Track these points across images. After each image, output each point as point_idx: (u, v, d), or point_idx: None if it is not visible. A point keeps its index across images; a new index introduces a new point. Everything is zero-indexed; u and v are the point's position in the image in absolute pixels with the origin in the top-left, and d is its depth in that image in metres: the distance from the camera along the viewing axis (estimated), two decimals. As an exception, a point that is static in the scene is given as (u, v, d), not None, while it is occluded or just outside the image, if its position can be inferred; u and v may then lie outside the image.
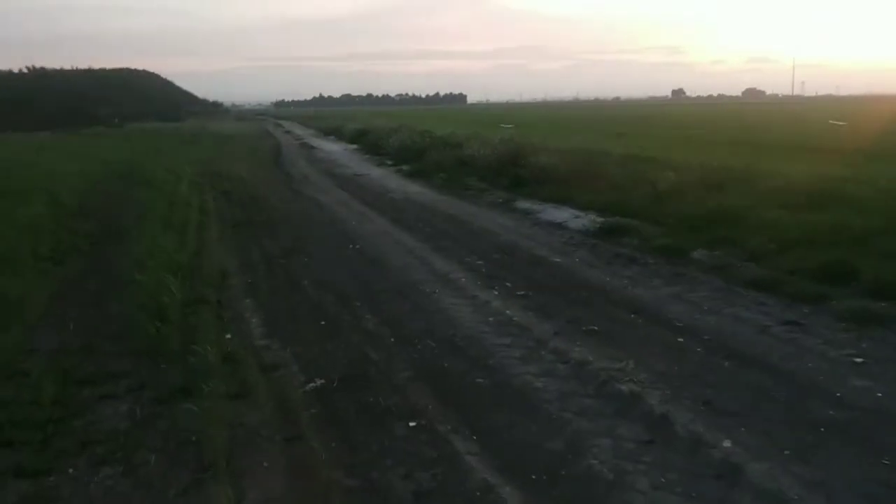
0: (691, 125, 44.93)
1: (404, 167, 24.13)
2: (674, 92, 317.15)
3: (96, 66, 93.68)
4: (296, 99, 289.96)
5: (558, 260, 9.81)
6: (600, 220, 12.58)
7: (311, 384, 5.46)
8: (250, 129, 61.05)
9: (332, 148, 36.28)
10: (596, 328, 6.66)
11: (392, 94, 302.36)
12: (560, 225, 12.53)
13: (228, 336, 6.53)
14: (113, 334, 6.53)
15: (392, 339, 6.49)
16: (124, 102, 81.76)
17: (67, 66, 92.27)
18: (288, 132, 59.39)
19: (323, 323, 7.01)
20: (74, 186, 17.21)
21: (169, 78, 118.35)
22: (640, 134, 35.12)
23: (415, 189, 18.38)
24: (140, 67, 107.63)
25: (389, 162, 26.08)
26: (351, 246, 10.75)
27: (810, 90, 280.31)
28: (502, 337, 6.46)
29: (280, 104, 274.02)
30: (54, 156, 28.36)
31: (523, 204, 14.96)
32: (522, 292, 7.90)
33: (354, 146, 36.13)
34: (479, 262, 9.54)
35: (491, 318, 7.02)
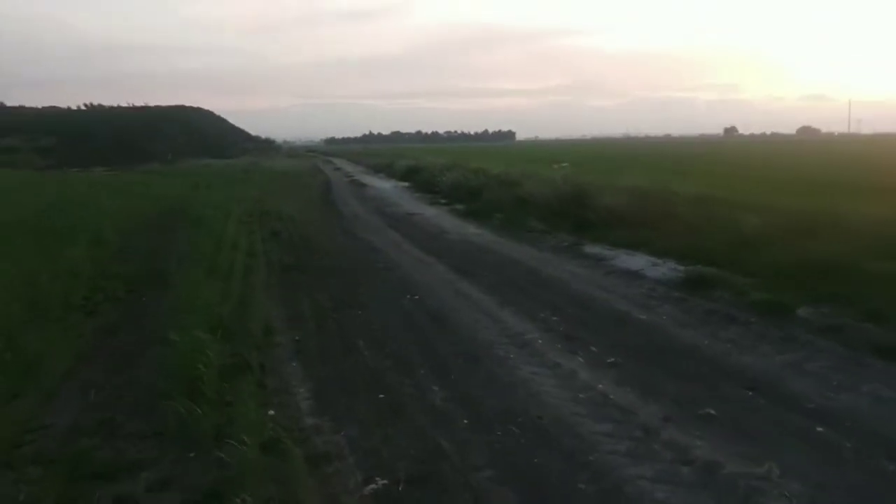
0: (753, 165, 43.32)
1: (459, 206, 23.19)
2: (726, 130, 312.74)
3: (152, 103, 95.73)
4: (346, 136, 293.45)
5: (643, 317, 8.64)
6: (682, 268, 11.40)
7: (371, 485, 4.40)
8: (301, 166, 61.09)
9: (382, 185, 35.62)
10: (712, 412, 5.48)
11: (440, 131, 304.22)
12: (637, 274, 11.35)
13: (271, 412, 5.52)
14: (138, 409, 5.57)
15: (466, 422, 5.40)
16: (178, 139, 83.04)
17: (123, 104, 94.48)
18: (338, 169, 59.24)
19: (382, 396, 5.96)
20: (120, 225, 16.63)
21: (222, 115, 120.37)
22: (700, 172, 33.63)
23: (472, 230, 17.38)
24: (194, 105, 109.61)
25: (443, 201, 25.18)
26: (408, 296, 9.72)
27: (867, 128, 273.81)
28: (601, 422, 5.32)
29: (330, 141, 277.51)
30: (106, 192, 28.17)
31: (592, 249, 13.83)
32: (612, 359, 6.75)
33: (405, 184, 35.42)
34: (555, 319, 8.43)
35: (582, 395, 5.88)
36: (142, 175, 47.55)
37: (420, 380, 6.32)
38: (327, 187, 35.17)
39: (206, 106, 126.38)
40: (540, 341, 7.38)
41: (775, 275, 10.14)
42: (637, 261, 12.35)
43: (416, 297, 9.70)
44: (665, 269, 11.55)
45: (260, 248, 14.28)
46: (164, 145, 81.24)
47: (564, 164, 41.26)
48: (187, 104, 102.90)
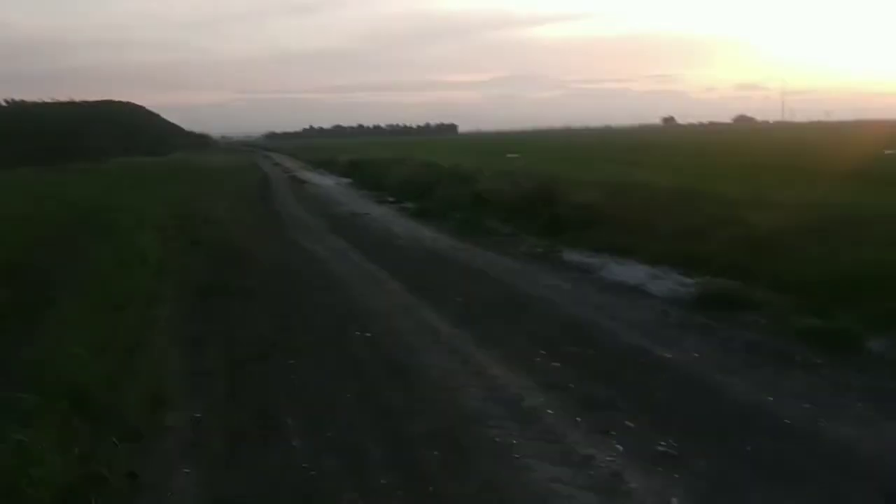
0: (709, 152, 42.07)
1: (409, 205, 20.95)
2: (664, 119, 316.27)
3: (78, 99, 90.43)
4: (286, 131, 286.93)
5: (668, 356, 6.55)
6: (690, 281, 9.41)
7: None
8: (238, 162, 57.92)
9: (324, 182, 33.11)
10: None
11: (382, 125, 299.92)
12: (637, 290, 9.29)
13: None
14: None
15: None
16: (107, 136, 78.58)
17: (48, 99, 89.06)
18: (277, 164, 56.35)
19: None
20: (10, 238, 13.92)
21: (157, 111, 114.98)
22: (658, 163, 31.99)
23: (428, 234, 15.15)
24: (126, 100, 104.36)
25: (391, 199, 22.89)
26: (358, 333, 7.44)
27: (800, 116, 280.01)
28: None
29: (271, 136, 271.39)
30: (12, 196, 25.08)
31: (572, 255, 11.75)
32: (663, 445, 4.59)
33: (348, 180, 33.02)
34: (557, 366, 6.27)
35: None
36: (64, 175, 44.00)
37: (384, 494, 4.08)
38: (264, 185, 32.49)
39: (142, 102, 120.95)
40: (549, 411, 5.17)
41: (811, 288, 8.20)
42: (631, 271, 10.31)
43: (368, 333, 7.42)
44: (670, 282, 9.53)
45: (175, 264, 11.83)
46: (93, 143, 76.74)
47: (516, 156, 39.39)
48: (117, 99, 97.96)
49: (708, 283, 8.96)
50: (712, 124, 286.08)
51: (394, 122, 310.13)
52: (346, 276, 10.64)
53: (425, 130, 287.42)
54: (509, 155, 39.21)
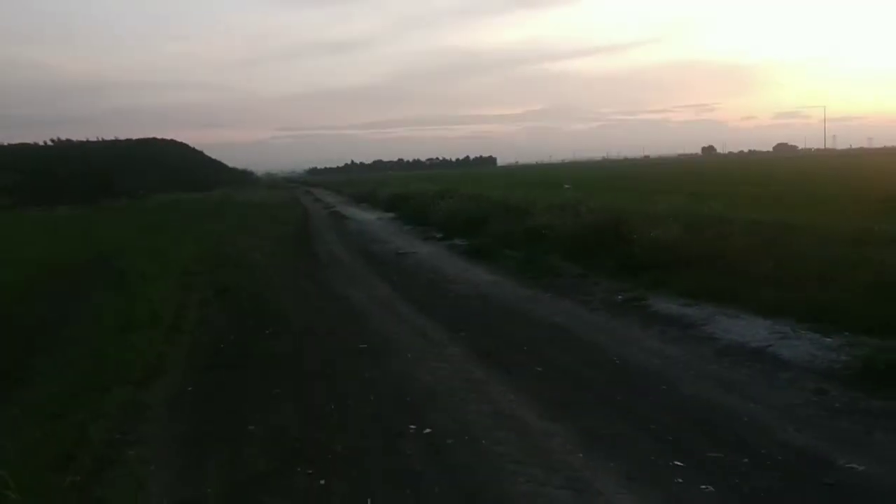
0: (764, 181, 39.44)
1: (459, 242, 19.11)
2: (704, 149, 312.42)
3: (123, 137, 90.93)
4: (328, 166, 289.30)
5: (860, 468, 4.52)
6: (833, 342, 7.33)
7: None
8: (278, 198, 56.85)
9: (365, 217, 31.49)
10: None
11: (422, 159, 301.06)
12: (764, 354, 7.22)
13: None
14: None
15: None
16: (150, 174, 78.67)
17: (93, 138, 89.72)
18: (318, 200, 55.12)
19: None
20: (14, 285, 12.40)
21: (201, 149, 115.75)
22: (724, 193, 29.59)
23: (485, 277, 13.26)
24: (170, 138, 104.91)
25: (438, 235, 21.07)
26: (413, 428, 5.52)
27: (842, 143, 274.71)
28: None
29: (313, 171, 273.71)
30: (41, 235, 23.91)
31: (662, 304, 9.73)
32: None
33: (391, 215, 31.35)
34: (707, 490, 4.29)
35: None
36: (102, 213, 43.23)
37: None
38: (304, 221, 30.98)
39: (186, 140, 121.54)
40: None
41: None
42: (747, 327, 8.26)
43: (427, 429, 5.49)
44: (805, 343, 7.46)
45: (192, 320, 10.09)
46: (135, 181, 76.75)
47: (569, 187, 37.40)
48: (160, 137, 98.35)
49: (861, 346, 6.89)
50: (752, 153, 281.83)
51: (433, 155, 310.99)
52: (393, 337, 8.75)
53: (464, 163, 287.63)
54: (565, 186, 37.16)
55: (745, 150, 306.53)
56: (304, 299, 11.66)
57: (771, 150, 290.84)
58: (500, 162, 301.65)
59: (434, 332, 8.90)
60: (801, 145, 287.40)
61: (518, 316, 9.77)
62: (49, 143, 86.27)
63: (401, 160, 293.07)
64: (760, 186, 34.76)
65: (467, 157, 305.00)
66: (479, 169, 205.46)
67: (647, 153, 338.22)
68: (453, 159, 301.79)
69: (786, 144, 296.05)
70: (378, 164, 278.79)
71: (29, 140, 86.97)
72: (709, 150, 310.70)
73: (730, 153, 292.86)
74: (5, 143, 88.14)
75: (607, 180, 48.75)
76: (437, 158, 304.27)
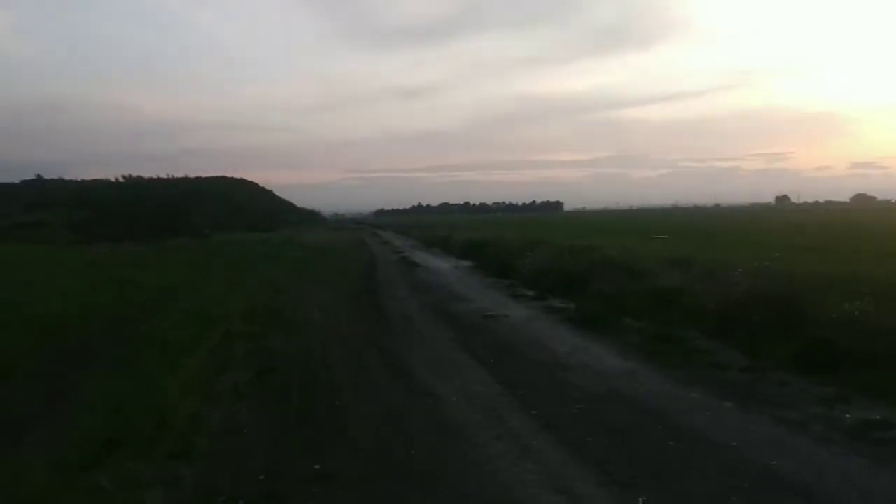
0: (867, 234, 34.58)
1: (556, 303, 15.83)
2: (778, 198, 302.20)
3: (193, 175, 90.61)
4: (395, 208, 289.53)
5: None
6: None
7: None
8: (344, 240, 54.35)
9: (439, 266, 28.36)
10: None
11: (488, 202, 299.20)
12: None
13: None
14: None
15: None
16: (217, 212, 77.68)
17: (164, 175, 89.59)
18: (385, 243, 52.47)
19: None
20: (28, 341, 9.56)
21: (271, 188, 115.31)
22: (831, 248, 25.22)
23: (611, 363, 9.87)
24: (239, 177, 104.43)
25: (529, 292, 17.77)
26: None
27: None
28: None
29: (380, 213, 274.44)
30: (76, 280, 21.46)
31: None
32: None
33: (467, 263, 28.20)
34: None
35: None
36: (162, 252, 41.25)
37: None
38: (370, 269, 27.98)
39: (257, 181, 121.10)
40: None
41: None
42: None
43: None
44: None
45: (212, 432, 6.93)
46: (203, 219, 75.81)
47: (663, 237, 33.69)
48: (229, 175, 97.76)
49: None
50: (829, 203, 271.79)
51: (499, 199, 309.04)
52: (508, 479, 5.45)
53: (531, 207, 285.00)
54: (657, 237, 33.44)
55: (821, 199, 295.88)
56: (372, 392, 8.44)
57: (848, 200, 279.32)
58: (566, 207, 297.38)
59: (582, 480, 5.53)
60: (879, 196, 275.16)
61: (698, 446, 6.33)
62: (121, 179, 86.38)
63: (467, 203, 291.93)
64: (868, 240, 30.23)
65: (534, 201, 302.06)
66: (545, 213, 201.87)
67: (717, 201, 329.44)
68: (520, 203, 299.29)
69: (864, 195, 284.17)
70: (444, 207, 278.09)
71: (102, 176, 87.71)
72: (783, 199, 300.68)
73: (804, 203, 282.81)
74: (79, 179, 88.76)
75: (700, 230, 44.56)
76: (504, 202, 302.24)
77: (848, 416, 6.92)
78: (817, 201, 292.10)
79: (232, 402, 7.96)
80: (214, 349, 11.01)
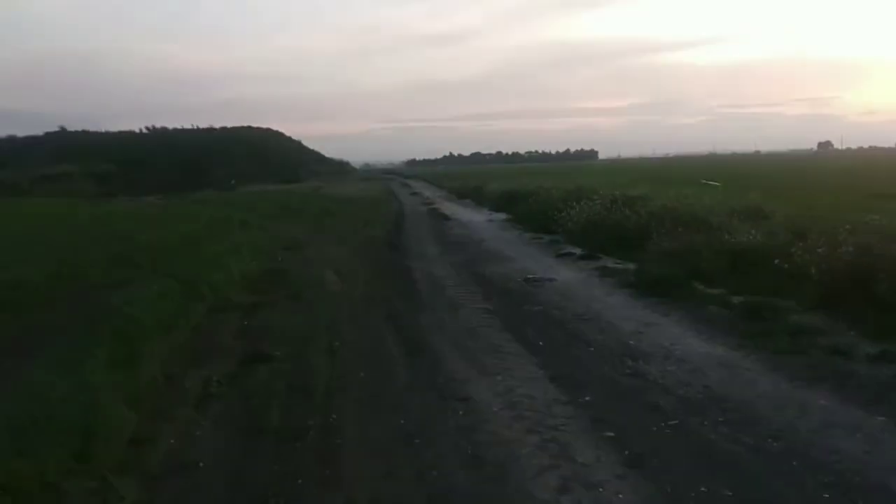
0: None
1: (609, 263, 13.62)
2: (820, 144, 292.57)
3: (218, 125, 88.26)
4: (426, 158, 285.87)
5: None
6: None
7: None
8: (372, 191, 52.09)
9: (472, 219, 26.11)
10: None
11: (521, 152, 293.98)
12: None
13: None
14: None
15: None
16: (242, 163, 75.86)
17: (188, 126, 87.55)
18: (415, 193, 50.24)
19: None
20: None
21: (300, 139, 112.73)
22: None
23: (696, 346, 7.67)
24: (265, 127, 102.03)
25: (576, 250, 15.49)
26: None
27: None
28: None
29: (411, 163, 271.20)
30: (91, 235, 19.58)
31: None
32: None
33: (502, 216, 25.87)
34: None
35: None
36: (181, 205, 39.47)
37: None
38: (398, 222, 25.77)
39: (287, 132, 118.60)
40: None
41: None
42: None
43: None
44: None
45: (156, 452, 4.88)
46: (227, 170, 73.97)
47: (716, 184, 30.95)
48: (255, 126, 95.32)
49: None
50: (874, 149, 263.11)
51: (532, 148, 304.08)
52: None
53: (565, 156, 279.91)
54: (706, 181, 30.69)
55: (865, 146, 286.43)
56: (384, 399, 6.28)
57: (894, 145, 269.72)
58: (601, 156, 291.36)
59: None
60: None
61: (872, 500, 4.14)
62: (144, 130, 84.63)
63: (499, 153, 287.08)
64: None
65: (567, 150, 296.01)
66: (579, 162, 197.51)
67: (757, 148, 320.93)
68: (553, 152, 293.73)
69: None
70: (476, 157, 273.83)
71: (127, 128, 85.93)
72: (825, 145, 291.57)
73: (848, 149, 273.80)
74: (102, 131, 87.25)
75: (750, 176, 41.46)
76: (537, 151, 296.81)
77: None
78: (861, 147, 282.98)
79: (194, 411, 5.89)
80: (197, 327, 8.99)
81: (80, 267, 12.57)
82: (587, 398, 6.07)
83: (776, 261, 10.08)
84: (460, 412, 5.85)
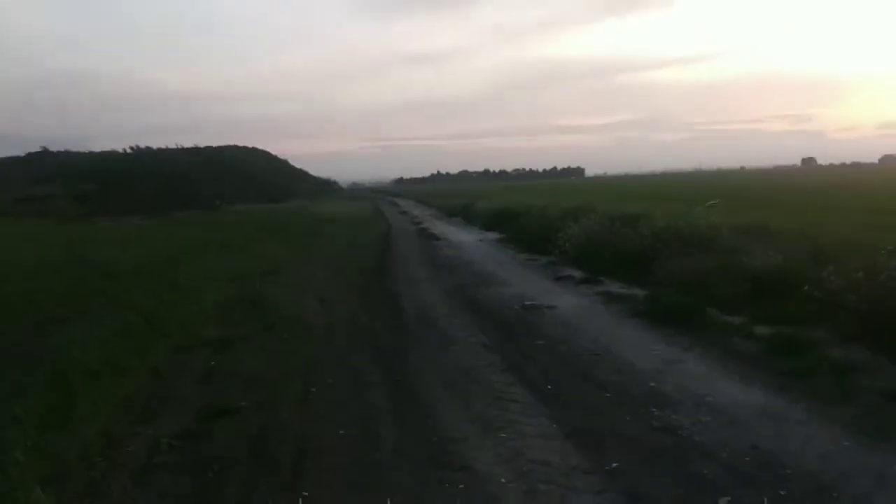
0: None
1: (614, 287, 12.56)
2: (804, 160, 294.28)
3: (203, 144, 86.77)
4: (414, 176, 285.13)
5: None
6: None
7: None
8: (360, 210, 50.99)
9: (462, 238, 25.01)
10: None
11: (508, 170, 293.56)
12: None
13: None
14: None
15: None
16: (228, 183, 74.47)
17: (172, 145, 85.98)
18: (404, 212, 49.15)
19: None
20: None
21: (286, 158, 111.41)
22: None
23: (728, 390, 6.61)
24: (251, 146, 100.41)
25: (576, 273, 14.45)
26: None
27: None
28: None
29: (399, 181, 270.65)
30: (58, 261, 18.37)
31: None
32: None
33: (494, 235, 24.82)
34: None
35: None
36: (163, 227, 38.21)
37: None
38: (385, 244, 24.65)
39: (273, 151, 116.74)
40: None
41: None
42: None
43: None
44: None
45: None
46: (212, 190, 72.56)
47: (714, 202, 30.04)
48: (240, 145, 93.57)
49: None
50: (856, 164, 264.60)
51: (519, 166, 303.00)
52: None
53: (552, 174, 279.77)
54: (710, 203, 29.66)
55: (847, 161, 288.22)
56: (364, 473, 5.18)
57: (877, 161, 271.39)
58: (588, 173, 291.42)
59: None
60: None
61: None
62: (128, 150, 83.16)
63: (487, 170, 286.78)
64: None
65: (554, 167, 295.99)
66: (567, 179, 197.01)
67: (741, 164, 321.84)
68: (540, 170, 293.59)
69: (892, 156, 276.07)
70: (464, 175, 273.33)
71: (109, 148, 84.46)
72: (809, 161, 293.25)
73: (831, 165, 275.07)
74: (86, 151, 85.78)
75: (746, 193, 40.58)
76: (524, 169, 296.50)
77: None
78: (844, 163, 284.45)
79: (133, 487, 4.77)
80: (155, 370, 7.86)
81: (35, 298, 11.40)
82: (614, 464, 4.99)
83: (806, 287, 9.05)
84: (460, 485, 4.76)
